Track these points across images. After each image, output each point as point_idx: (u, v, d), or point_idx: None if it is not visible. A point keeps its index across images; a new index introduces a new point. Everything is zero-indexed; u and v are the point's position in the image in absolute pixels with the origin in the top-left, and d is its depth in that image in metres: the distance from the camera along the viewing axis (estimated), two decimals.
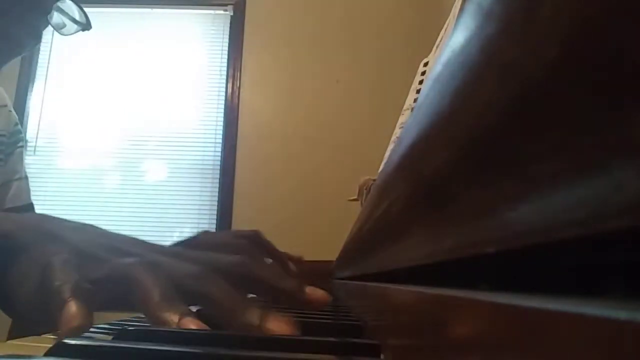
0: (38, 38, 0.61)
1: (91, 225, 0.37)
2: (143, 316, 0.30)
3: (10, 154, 0.72)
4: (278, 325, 0.28)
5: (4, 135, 0.71)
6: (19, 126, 0.76)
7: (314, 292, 0.36)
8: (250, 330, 0.28)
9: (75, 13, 0.65)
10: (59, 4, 0.62)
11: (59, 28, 0.65)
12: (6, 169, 0.71)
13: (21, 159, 0.75)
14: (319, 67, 2.22)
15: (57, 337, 0.26)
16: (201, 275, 0.31)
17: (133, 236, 0.37)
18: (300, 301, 0.36)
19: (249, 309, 0.29)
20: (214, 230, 2.04)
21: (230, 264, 0.35)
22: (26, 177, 0.76)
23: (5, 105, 0.74)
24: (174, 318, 0.28)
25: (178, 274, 0.31)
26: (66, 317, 0.26)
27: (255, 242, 0.53)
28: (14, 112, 0.77)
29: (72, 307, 0.26)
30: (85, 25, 0.67)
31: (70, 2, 0.64)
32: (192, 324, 0.27)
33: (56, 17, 0.64)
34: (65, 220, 0.38)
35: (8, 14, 0.56)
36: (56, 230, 0.35)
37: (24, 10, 0.57)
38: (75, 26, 0.66)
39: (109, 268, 0.31)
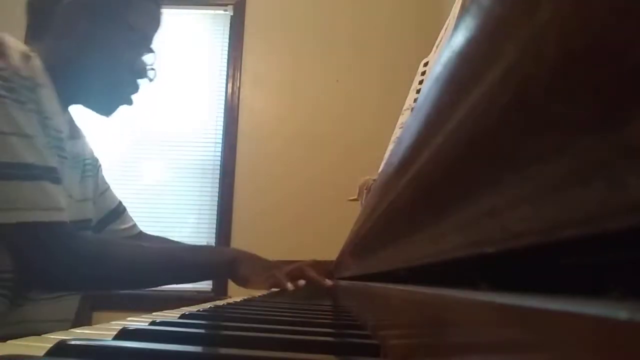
0: (129, 102, 0.95)
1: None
2: (143, 316, 0.30)
3: (98, 172, 1.04)
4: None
5: (90, 158, 1.00)
6: (94, 152, 1.04)
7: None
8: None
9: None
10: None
11: None
12: (99, 183, 1.03)
13: (102, 174, 1.07)
14: (319, 67, 2.22)
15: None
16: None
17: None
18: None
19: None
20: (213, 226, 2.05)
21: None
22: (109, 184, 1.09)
23: (86, 137, 1.01)
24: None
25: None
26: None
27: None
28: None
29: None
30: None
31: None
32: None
33: None
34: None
35: (119, 76, 0.93)
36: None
37: (131, 75, 0.91)
38: None
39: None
